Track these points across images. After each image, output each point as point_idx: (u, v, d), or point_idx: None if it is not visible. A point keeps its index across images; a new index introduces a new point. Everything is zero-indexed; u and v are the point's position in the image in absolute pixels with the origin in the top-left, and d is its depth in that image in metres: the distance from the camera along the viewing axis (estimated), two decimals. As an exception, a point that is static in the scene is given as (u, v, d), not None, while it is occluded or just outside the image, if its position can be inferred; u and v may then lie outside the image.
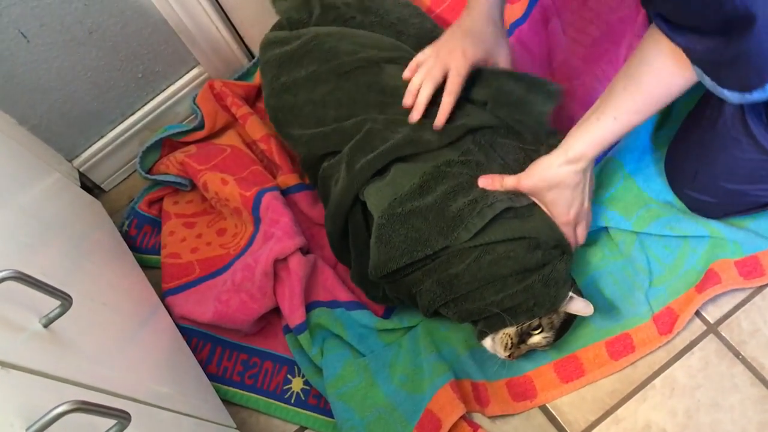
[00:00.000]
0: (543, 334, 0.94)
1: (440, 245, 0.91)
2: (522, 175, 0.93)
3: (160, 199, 1.27)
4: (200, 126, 1.27)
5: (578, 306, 0.94)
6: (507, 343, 0.93)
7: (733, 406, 0.97)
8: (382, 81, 1.02)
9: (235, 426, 1.02)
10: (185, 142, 1.28)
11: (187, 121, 1.32)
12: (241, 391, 1.09)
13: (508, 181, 0.94)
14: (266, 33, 1.15)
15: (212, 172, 1.18)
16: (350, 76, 1.03)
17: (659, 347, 1.01)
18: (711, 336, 1.02)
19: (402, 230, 0.92)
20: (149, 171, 1.26)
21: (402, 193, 0.94)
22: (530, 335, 0.94)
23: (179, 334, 1.10)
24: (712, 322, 1.03)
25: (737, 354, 1.00)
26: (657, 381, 1.00)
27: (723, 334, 1.02)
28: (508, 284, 0.91)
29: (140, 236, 1.24)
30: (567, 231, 0.95)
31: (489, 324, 0.94)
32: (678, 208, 1.08)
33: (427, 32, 1.12)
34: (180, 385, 0.92)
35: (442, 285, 0.93)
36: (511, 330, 0.93)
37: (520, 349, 0.95)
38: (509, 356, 0.94)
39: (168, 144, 1.27)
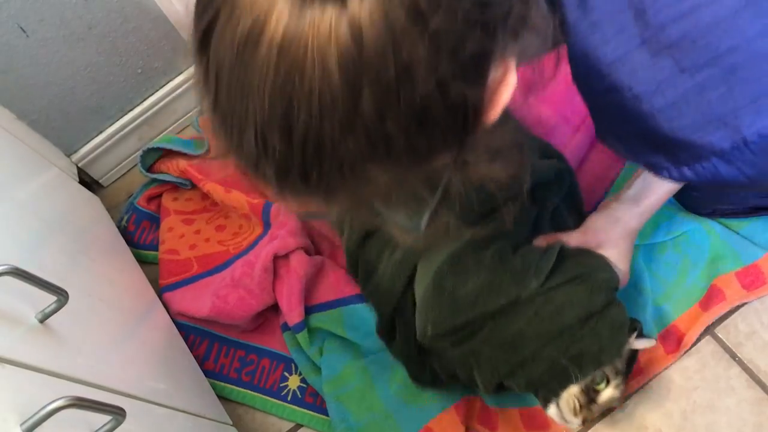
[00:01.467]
0: (614, 383, 0.85)
1: (513, 295, 0.82)
2: (588, 230, 0.91)
3: (159, 195, 1.26)
4: (207, 151, 1.23)
5: (642, 342, 0.88)
6: (575, 406, 0.83)
7: (729, 408, 0.97)
8: None
9: (231, 423, 1.02)
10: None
11: (190, 131, 1.31)
12: (237, 388, 1.09)
13: (569, 238, 0.91)
14: None
15: (214, 183, 1.18)
16: None
17: (666, 367, 1.00)
18: (708, 338, 1.02)
19: (469, 281, 0.84)
20: (150, 168, 1.26)
21: (459, 246, 0.86)
22: (597, 391, 0.85)
23: (176, 330, 1.10)
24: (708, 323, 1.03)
25: (734, 356, 1.00)
26: (653, 382, 1.00)
27: (720, 336, 1.02)
28: (574, 331, 0.82)
29: (138, 232, 1.24)
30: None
31: (551, 386, 0.84)
32: (677, 207, 1.07)
33: None
34: (176, 381, 0.92)
35: (504, 349, 0.83)
36: (575, 389, 0.84)
37: (591, 410, 0.85)
38: (583, 421, 0.85)
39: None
